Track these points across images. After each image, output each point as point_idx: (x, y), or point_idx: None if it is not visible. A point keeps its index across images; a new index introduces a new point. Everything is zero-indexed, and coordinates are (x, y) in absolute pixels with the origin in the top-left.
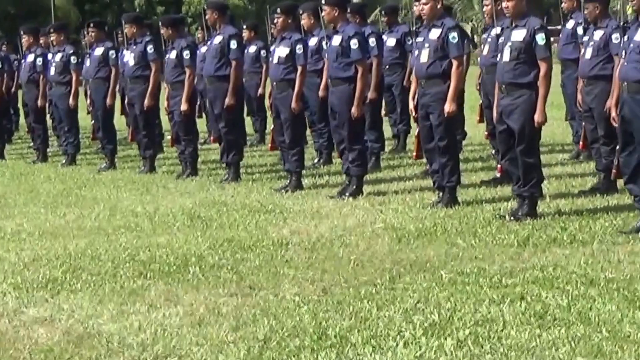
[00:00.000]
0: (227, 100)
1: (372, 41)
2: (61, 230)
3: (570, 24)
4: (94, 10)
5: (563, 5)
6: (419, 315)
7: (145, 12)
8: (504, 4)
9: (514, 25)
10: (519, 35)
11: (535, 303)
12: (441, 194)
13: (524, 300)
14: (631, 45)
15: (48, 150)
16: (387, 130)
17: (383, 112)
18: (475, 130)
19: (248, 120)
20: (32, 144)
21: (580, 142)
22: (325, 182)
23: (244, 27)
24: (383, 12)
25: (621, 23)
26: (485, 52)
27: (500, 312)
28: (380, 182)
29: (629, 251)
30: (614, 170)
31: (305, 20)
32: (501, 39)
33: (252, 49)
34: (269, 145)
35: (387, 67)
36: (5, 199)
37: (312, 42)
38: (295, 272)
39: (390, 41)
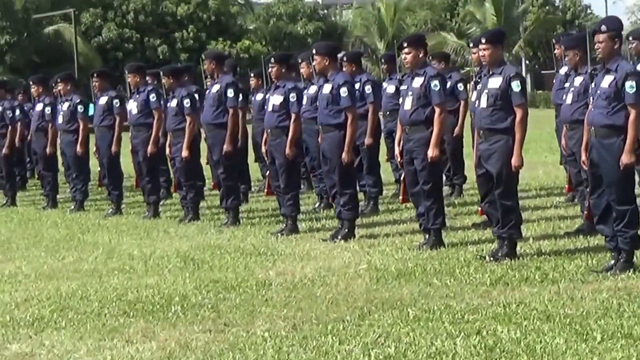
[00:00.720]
0: (224, 147)
1: (368, 88)
2: (57, 272)
3: (563, 70)
4: (118, 58)
5: (555, 51)
6: (377, 349)
7: (168, 59)
8: (480, 53)
9: (490, 72)
10: (495, 82)
11: (489, 337)
12: (427, 236)
13: (479, 334)
14: (598, 91)
15: (59, 196)
16: (390, 175)
17: (385, 157)
18: None
19: (256, 167)
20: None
21: (566, 186)
22: (322, 225)
23: (251, 75)
24: (382, 60)
25: (589, 70)
26: (473, 98)
27: (454, 345)
28: (376, 225)
29: (594, 289)
30: (585, 212)
31: (304, 69)
32: (479, 86)
33: (259, 96)
34: (265, 190)
35: (388, 113)
36: (9, 244)
37: (312, 90)
38: (272, 310)
39: (389, 88)
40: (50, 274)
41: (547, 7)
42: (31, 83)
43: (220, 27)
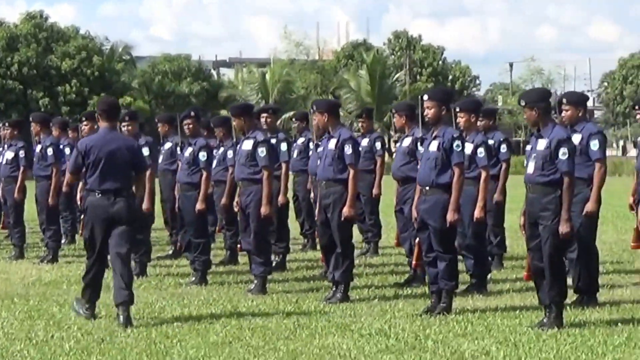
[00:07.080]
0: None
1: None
2: None
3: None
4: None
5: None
6: None
7: (50, 112)
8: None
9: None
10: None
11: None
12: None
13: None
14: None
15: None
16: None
17: None
18: None
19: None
20: None
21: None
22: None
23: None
24: (294, 119)
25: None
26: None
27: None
28: None
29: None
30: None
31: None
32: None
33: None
34: (238, 247)
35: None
36: None
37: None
38: None
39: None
40: None
41: (434, 78)
42: None
43: (103, 83)
